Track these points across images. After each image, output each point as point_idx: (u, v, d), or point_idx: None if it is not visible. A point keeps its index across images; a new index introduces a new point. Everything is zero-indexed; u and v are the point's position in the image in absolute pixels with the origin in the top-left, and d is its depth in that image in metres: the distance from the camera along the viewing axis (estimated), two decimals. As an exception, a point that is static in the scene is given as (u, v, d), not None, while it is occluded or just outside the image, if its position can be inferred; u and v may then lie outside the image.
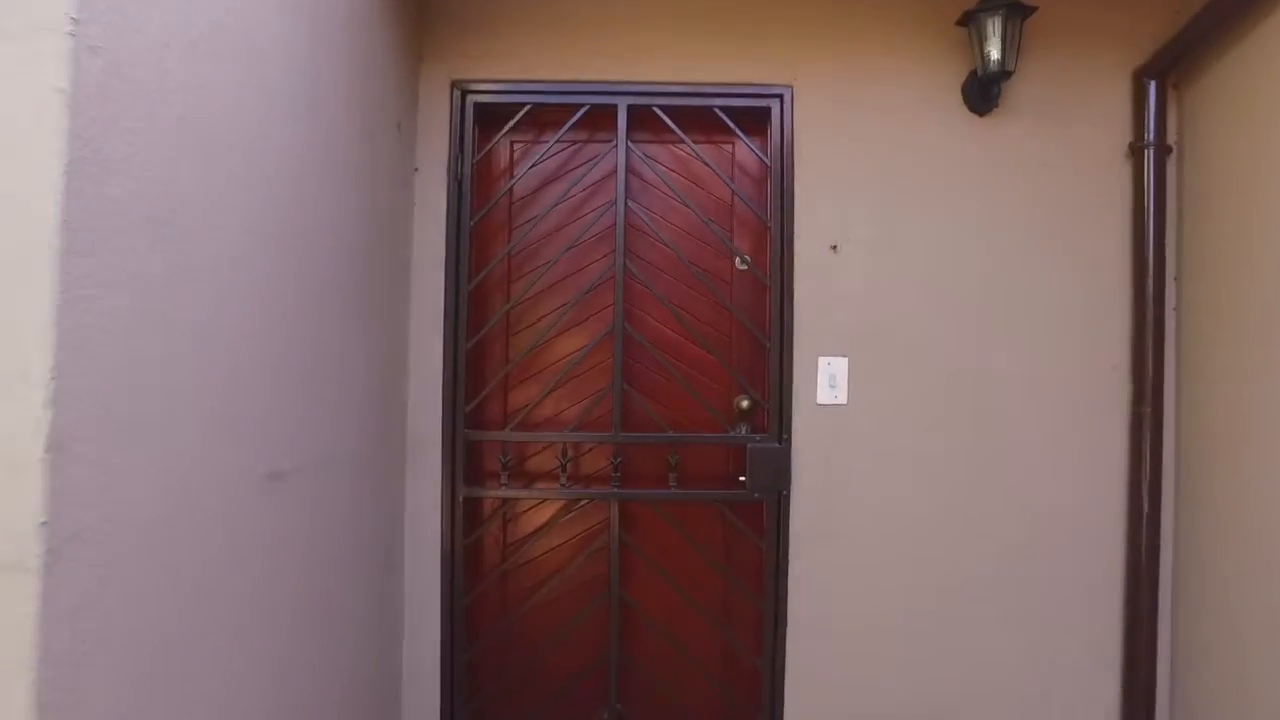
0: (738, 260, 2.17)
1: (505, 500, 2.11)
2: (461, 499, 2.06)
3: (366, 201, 1.74)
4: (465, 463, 2.07)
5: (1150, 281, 2.02)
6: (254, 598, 1.24)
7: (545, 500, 2.13)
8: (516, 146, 2.21)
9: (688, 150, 2.16)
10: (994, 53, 1.92)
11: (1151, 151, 2.02)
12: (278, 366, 1.32)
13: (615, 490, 2.06)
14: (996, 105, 2.06)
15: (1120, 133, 2.08)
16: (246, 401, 1.21)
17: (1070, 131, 2.08)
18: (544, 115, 2.13)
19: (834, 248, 2.08)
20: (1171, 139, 2.06)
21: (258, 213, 1.24)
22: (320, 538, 1.51)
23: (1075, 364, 2.07)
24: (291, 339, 1.37)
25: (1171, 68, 2.02)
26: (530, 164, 2.14)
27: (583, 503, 2.13)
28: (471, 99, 2.10)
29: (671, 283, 2.17)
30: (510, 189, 2.16)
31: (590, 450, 2.16)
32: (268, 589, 1.29)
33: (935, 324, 2.08)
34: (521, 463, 2.16)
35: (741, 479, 2.08)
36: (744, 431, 2.12)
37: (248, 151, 1.20)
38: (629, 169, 2.13)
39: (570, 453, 2.10)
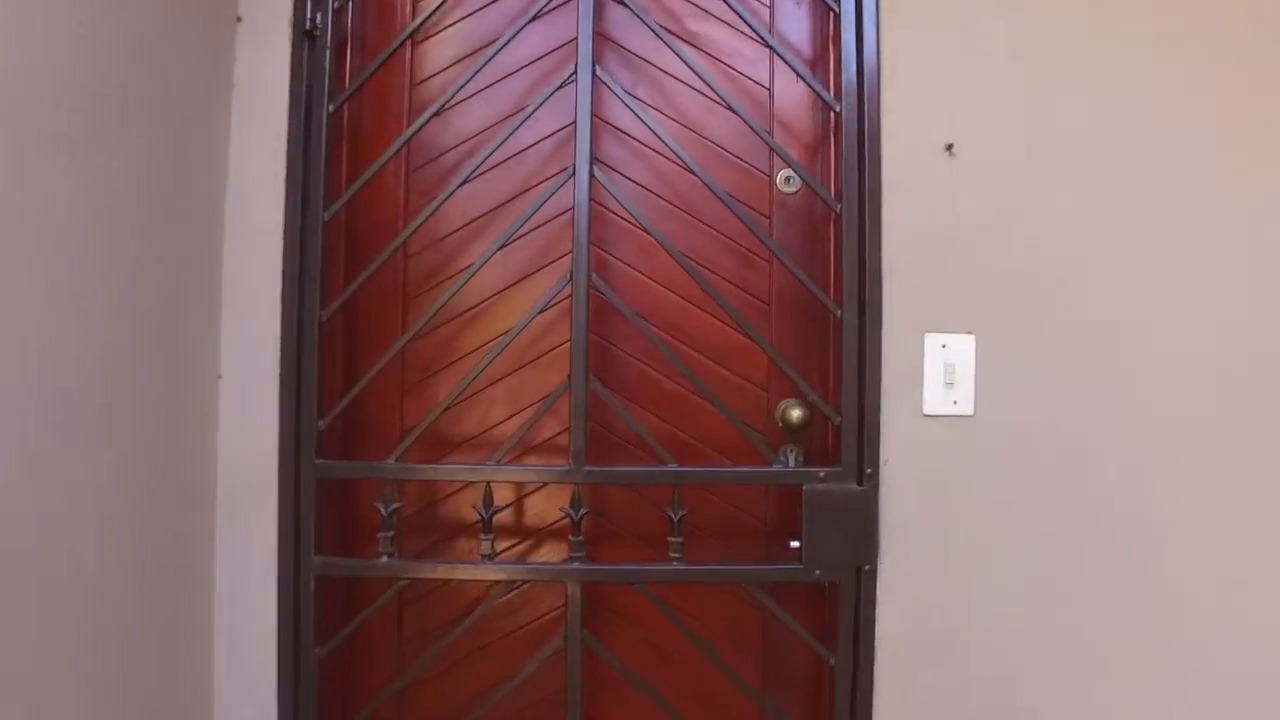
0: (781, 178, 1.31)
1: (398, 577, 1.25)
2: (312, 579, 1.20)
3: (97, 46, 0.88)
4: (320, 515, 1.21)
5: None
6: None
7: (451, 582, 1.27)
8: (420, -5, 1.35)
9: (694, 4, 1.31)
10: None
11: None
12: None
13: (575, 564, 1.20)
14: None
15: None
16: None
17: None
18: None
19: (949, 148, 1.22)
20: None
21: None
22: None
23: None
24: None
25: None
26: (436, 7, 1.28)
27: (521, 584, 1.27)
28: (333, -101, 1.24)
29: (671, 213, 1.31)
30: (404, 46, 1.29)
31: (537, 491, 1.30)
32: None
33: (1136, 278, 1.21)
34: (426, 509, 1.31)
35: (794, 544, 1.21)
36: (795, 462, 1.26)
37: None
38: (599, 31, 1.28)
39: (500, 498, 1.24)
